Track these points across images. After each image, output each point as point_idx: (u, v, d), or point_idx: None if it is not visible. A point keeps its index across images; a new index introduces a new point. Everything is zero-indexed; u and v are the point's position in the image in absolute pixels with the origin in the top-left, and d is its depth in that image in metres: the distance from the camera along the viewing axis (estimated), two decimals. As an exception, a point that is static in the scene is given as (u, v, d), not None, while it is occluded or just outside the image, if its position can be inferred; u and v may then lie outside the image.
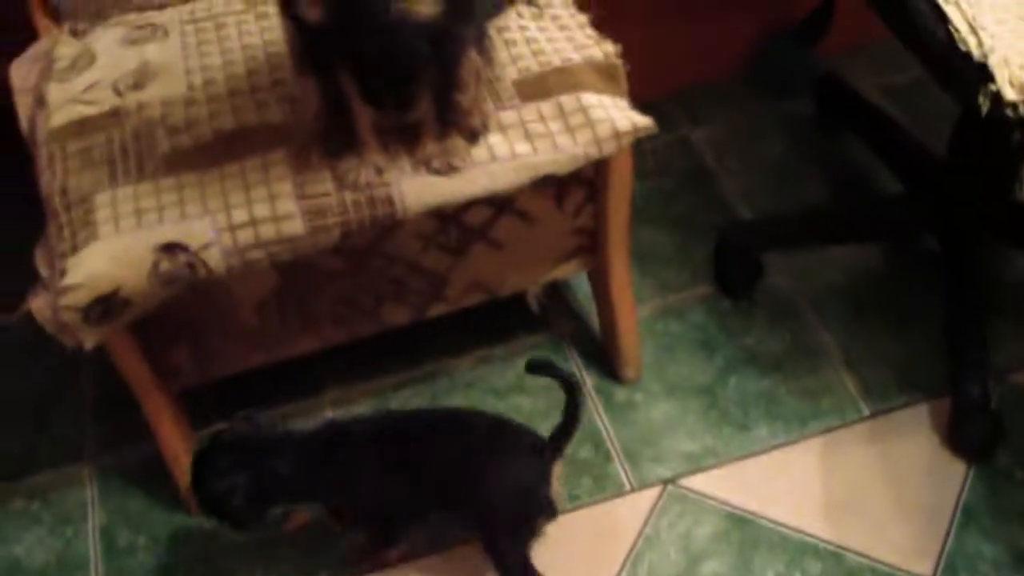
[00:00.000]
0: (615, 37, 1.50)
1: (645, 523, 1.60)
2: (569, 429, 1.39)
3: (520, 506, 1.42)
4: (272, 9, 1.56)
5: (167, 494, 1.70)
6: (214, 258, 1.32)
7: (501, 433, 1.44)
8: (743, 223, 1.94)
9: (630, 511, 1.62)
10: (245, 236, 1.32)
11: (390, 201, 1.35)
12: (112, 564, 1.65)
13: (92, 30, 1.58)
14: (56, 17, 1.62)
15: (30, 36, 1.61)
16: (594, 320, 1.82)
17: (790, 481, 1.62)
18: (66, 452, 1.79)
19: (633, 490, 1.64)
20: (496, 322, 1.84)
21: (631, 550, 1.57)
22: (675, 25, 2.05)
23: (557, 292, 1.88)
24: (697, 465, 1.65)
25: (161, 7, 1.61)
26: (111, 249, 1.31)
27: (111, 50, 1.54)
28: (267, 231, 1.32)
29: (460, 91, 1.34)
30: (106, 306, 1.31)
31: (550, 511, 1.43)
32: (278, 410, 1.77)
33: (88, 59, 1.53)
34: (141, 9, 1.60)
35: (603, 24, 1.53)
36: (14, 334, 1.94)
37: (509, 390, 1.76)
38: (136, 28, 1.57)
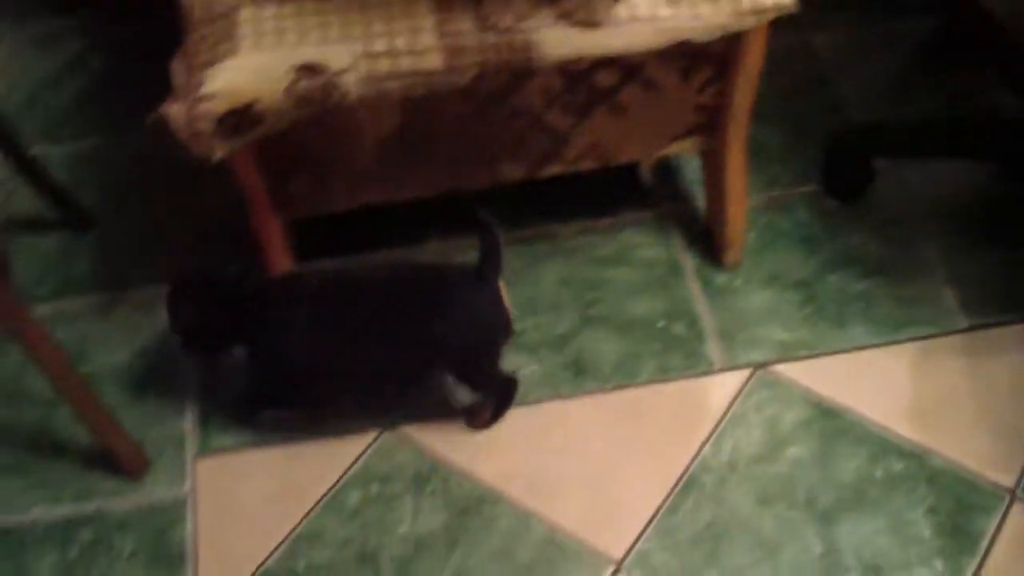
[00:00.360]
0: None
1: (732, 402, 1.62)
2: (489, 254, 1.45)
3: (486, 333, 1.48)
4: None
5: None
6: (350, 84, 1.34)
7: (441, 275, 1.50)
8: (856, 125, 1.93)
9: (719, 389, 1.64)
10: (383, 65, 1.34)
11: (528, 48, 1.36)
12: (209, 379, 1.68)
13: None
14: None
15: None
16: (699, 204, 1.83)
17: (879, 381, 1.63)
18: (170, 272, 1.82)
19: (723, 370, 1.66)
20: (603, 195, 1.86)
21: (716, 426, 1.59)
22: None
23: (666, 173, 1.89)
24: (789, 354, 1.67)
25: None
26: (251, 64, 1.34)
27: None
28: (405, 63, 1.34)
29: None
30: (239, 119, 1.35)
31: (508, 329, 1.50)
32: (380, 251, 1.79)
33: None
34: None
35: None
36: (132, 157, 1.99)
37: (609, 261, 1.78)
38: None
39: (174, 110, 1.35)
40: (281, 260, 1.63)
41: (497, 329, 1.50)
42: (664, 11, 1.38)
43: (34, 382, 1.68)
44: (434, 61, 1.35)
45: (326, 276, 1.55)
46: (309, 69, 1.33)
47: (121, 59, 2.18)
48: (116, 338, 1.75)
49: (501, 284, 1.47)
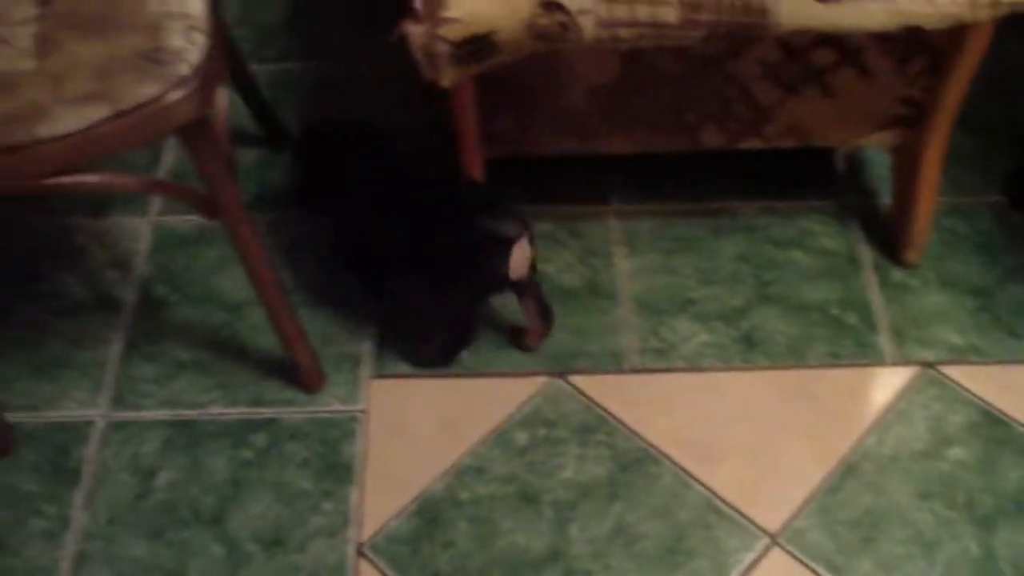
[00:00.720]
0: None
1: (899, 396, 1.62)
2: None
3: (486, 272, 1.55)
4: None
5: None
6: (587, 25, 1.38)
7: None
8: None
9: (886, 382, 1.64)
10: (620, 11, 1.38)
11: (764, 12, 1.39)
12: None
13: None
14: None
15: None
16: (883, 201, 1.84)
17: (1051, 397, 1.62)
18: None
19: (893, 364, 1.66)
20: (787, 178, 1.87)
21: (881, 417, 1.60)
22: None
23: (853, 165, 1.90)
24: (960, 357, 1.67)
25: None
26: (496, -6, 1.38)
27: None
28: (642, 11, 1.38)
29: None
30: (477, 46, 1.39)
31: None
32: (565, 208, 1.83)
33: None
34: None
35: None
36: (331, 78, 2.05)
37: (788, 243, 1.80)
38: None
39: (415, 30, 1.40)
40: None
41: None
42: (901, -7, 1.39)
43: (222, 285, 1.75)
44: (669, 14, 1.38)
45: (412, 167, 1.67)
46: (550, 5, 1.37)
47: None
48: (303, 253, 1.80)
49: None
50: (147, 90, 1.23)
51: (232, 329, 1.71)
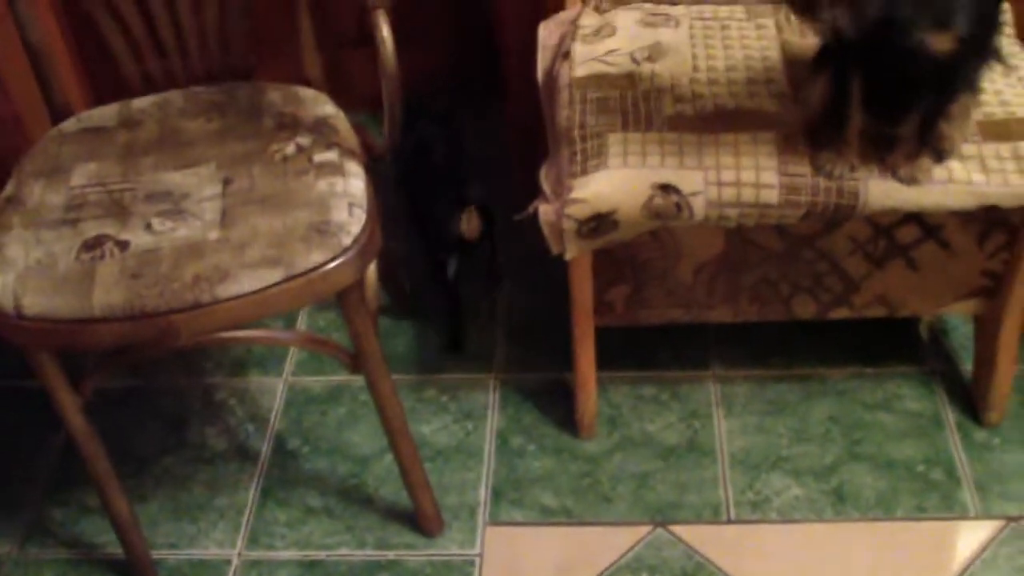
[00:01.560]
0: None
1: (984, 548, 1.73)
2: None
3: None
4: (768, 21, 1.80)
5: (558, 414, 1.96)
6: (698, 205, 1.56)
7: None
8: None
9: (971, 534, 1.75)
10: (728, 193, 1.56)
11: (855, 195, 1.56)
12: (502, 460, 1.89)
13: (613, 9, 1.87)
14: (581, -6, 1.92)
15: (553, 6, 1.91)
16: (965, 366, 1.97)
17: None
18: (476, 362, 2.06)
19: (977, 517, 1.77)
20: (875, 345, 2.01)
21: (966, 568, 1.70)
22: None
23: (935, 334, 2.04)
24: (1043, 513, 1.77)
25: (674, 3, 1.88)
26: (617, 178, 1.57)
27: (629, 27, 1.81)
28: (747, 193, 1.56)
29: (945, 120, 1.54)
30: (599, 223, 1.57)
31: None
32: (668, 374, 1.98)
33: (609, 30, 1.81)
34: (658, 1, 1.88)
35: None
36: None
37: (875, 406, 1.93)
38: (651, 15, 1.85)
39: (545, 209, 1.59)
40: (589, 363, 1.83)
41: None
42: (977, 176, 1.56)
43: (351, 439, 1.91)
44: (771, 196, 1.56)
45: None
46: (666, 188, 1.56)
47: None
48: (425, 413, 1.97)
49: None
50: (315, 257, 1.42)
51: (359, 479, 1.86)
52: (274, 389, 2.02)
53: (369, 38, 1.46)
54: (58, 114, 1.67)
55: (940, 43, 1.41)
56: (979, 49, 1.48)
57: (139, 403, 2.01)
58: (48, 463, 1.93)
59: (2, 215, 1.51)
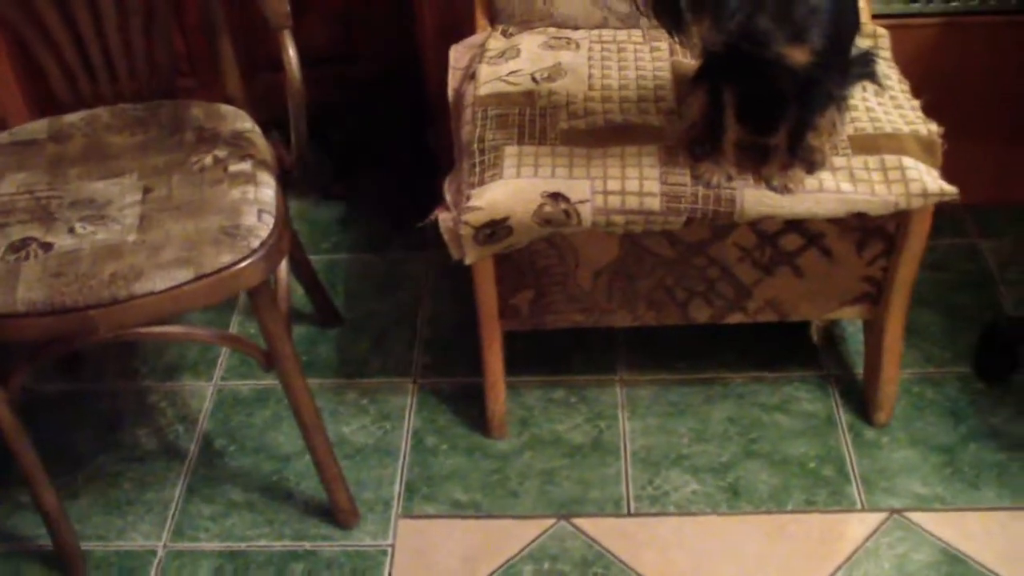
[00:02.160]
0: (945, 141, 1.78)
1: (867, 538, 1.84)
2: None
3: None
4: (663, 44, 1.94)
5: (472, 415, 2.07)
6: (586, 212, 1.68)
7: None
8: (1009, 318, 2.18)
9: (857, 526, 1.86)
10: (613, 201, 1.68)
11: (732, 202, 1.68)
12: (417, 458, 2.00)
13: (519, 34, 2.00)
14: (492, 20, 2.06)
15: (468, 31, 2.05)
16: (859, 368, 2.09)
17: (1008, 540, 1.83)
18: (396, 367, 2.17)
19: (863, 510, 1.89)
20: (775, 351, 2.13)
21: (850, 556, 1.82)
22: (988, 144, 2.32)
23: (832, 340, 2.16)
24: (925, 504, 1.89)
25: (575, 28, 2.01)
26: (510, 187, 1.69)
27: (533, 50, 1.95)
28: (631, 201, 1.68)
29: (814, 133, 1.67)
30: (494, 229, 1.70)
31: None
32: (577, 378, 2.11)
33: (514, 52, 1.94)
34: (560, 26, 2.01)
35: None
36: (377, 269, 2.37)
37: (773, 408, 2.05)
38: (554, 38, 1.98)
39: (444, 216, 1.71)
40: (497, 366, 1.95)
41: None
42: (846, 186, 1.69)
43: (275, 438, 2.02)
44: (654, 203, 1.68)
45: None
46: (555, 196, 1.68)
47: (376, 193, 2.60)
48: (345, 415, 2.08)
49: None
50: (224, 258, 1.53)
51: (280, 475, 1.97)
52: (204, 392, 2.13)
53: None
54: (-8, 129, 1.78)
55: (797, 56, 1.54)
56: (836, 64, 1.61)
57: (76, 406, 2.12)
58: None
59: (-65, 221, 1.61)
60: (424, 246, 2.21)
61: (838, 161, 1.72)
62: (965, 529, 1.84)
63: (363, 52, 2.52)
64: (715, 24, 1.48)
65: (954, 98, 2.17)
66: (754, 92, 1.64)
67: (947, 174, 1.73)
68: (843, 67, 1.66)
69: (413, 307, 2.29)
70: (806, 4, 1.51)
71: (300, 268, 2.09)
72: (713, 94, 1.67)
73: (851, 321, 2.15)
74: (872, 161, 1.71)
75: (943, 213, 2.10)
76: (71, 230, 1.58)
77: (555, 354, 2.12)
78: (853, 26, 1.65)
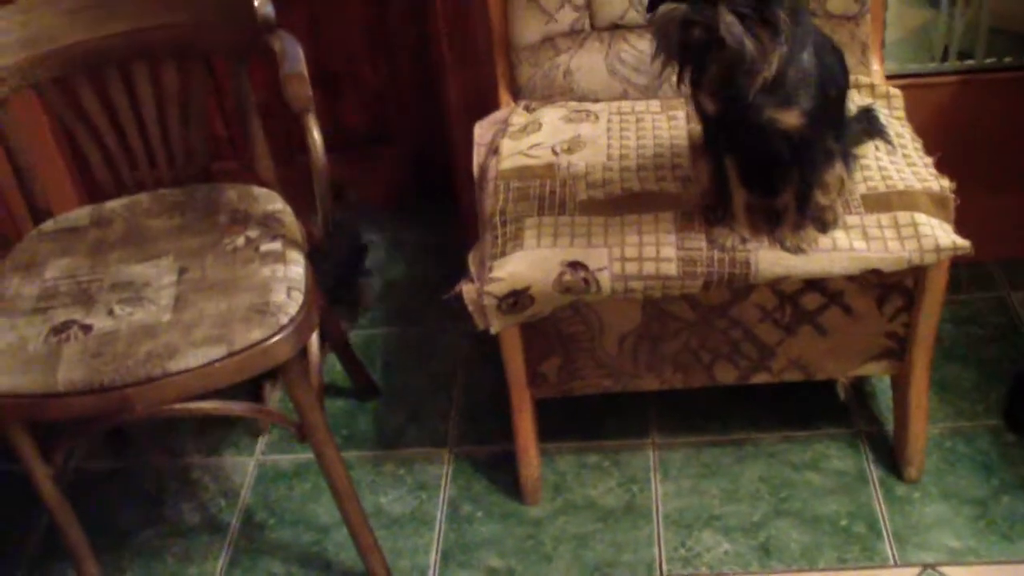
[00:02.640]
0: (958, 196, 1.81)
1: (902, 595, 1.85)
2: None
3: None
4: (680, 113, 1.99)
5: (507, 483, 2.11)
6: (605, 279, 1.73)
7: None
8: (1040, 372, 2.19)
9: (890, 582, 1.87)
10: (631, 268, 1.73)
11: (747, 264, 1.72)
12: (452, 526, 2.04)
13: (541, 108, 2.07)
14: (515, 96, 2.13)
15: (493, 106, 2.12)
16: (889, 424, 2.11)
17: (1043, 592, 1.83)
18: (432, 437, 2.22)
19: (896, 565, 1.89)
20: (806, 410, 2.16)
21: (884, 613, 1.82)
22: (1012, 198, 2.35)
23: (863, 396, 2.18)
24: (958, 559, 1.89)
25: (596, 100, 2.08)
26: (531, 257, 1.75)
27: (554, 123, 2.01)
28: (649, 267, 1.73)
29: (822, 191, 1.71)
30: (517, 299, 1.75)
31: None
32: (609, 442, 2.15)
33: (536, 127, 2.01)
34: (581, 99, 2.08)
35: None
36: (411, 341, 2.43)
37: (803, 466, 2.07)
38: (575, 111, 2.04)
39: (468, 288, 1.77)
40: (528, 432, 1.99)
41: None
42: (859, 244, 1.73)
43: (315, 510, 2.07)
44: (671, 268, 1.73)
45: None
46: (574, 265, 1.73)
47: (411, 267, 2.67)
48: (382, 485, 2.13)
49: None
50: (255, 334, 1.60)
51: (319, 547, 2.02)
52: (246, 467, 2.19)
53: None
54: (39, 216, 1.87)
55: (788, 120, 1.59)
56: (830, 121, 1.66)
57: (122, 483, 2.18)
58: (34, 540, 2.10)
59: (-18, 306, 1.70)
60: (459, 317, 2.26)
61: (851, 220, 1.75)
62: (1000, 582, 1.83)
63: (395, 134, 2.62)
64: (714, 95, 1.54)
65: (973, 154, 2.21)
66: (753, 157, 1.68)
67: (971, 229, 1.76)
68: (838, 123, 1.70)
69: (448, 377, 2.34)
70: (796, 70, 1.56)
71: (337, 343, 2.16)
72: (716, 160, 1.72)
73: (879, 377, 2.16)
74: (885, 218, 1.75)
75: (972, 268, 2.14)
76: (110, 312, 1.65)
77: (587, 419, 2.16)
78: (843, 82, 1.69)
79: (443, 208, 2.69)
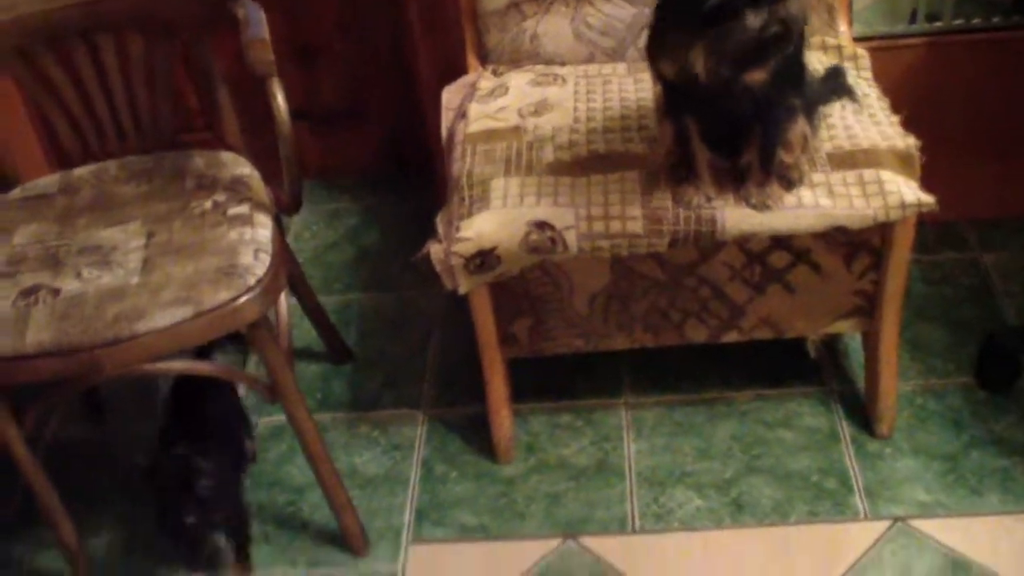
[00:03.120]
0: (928, 158, 1.82)
1: (872, 547, 1.87)
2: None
3: None
4: (646, 75, 2.00)
5: (480, 443, 2.12)
6: (571, 238, 1.74)
7: None
8: (1010, 328, 2.20)
9: (860, 535, 1.89)
10: (597, 227, 1.74)
11: (713, 222, 1.73)
12: (426, 486, 2.06)
13: (509, 72, 2.08)
14: (483, 61, 2.13)
15: (462, 73, 2.13)
16: (862, 383, 2.13)
17: (1012, 544, 1.84)
18: (406, 400, 2.24)
19: (867, 519, 1.91)
20: (776, 369, 2.17)
21: (854, 565, 1.84)
22: (984, 159, 2.36)
23: (836, 355, 2.20)
24: (928, 512, 1.91)
25: (563, 64, 2.08)
26: (497, 218, 1.76)
27: (521, 87, 2.02)
28: (615, 226, 1.74)
29: (786, 149, 1.72)
30: (484, 259, 1.76)
31: None
32: (583, 403, 2.17)
33: (503, 91, 2.01)
34: (548, 63, 2.09)
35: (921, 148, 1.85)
36: (386, 307, 2.45)
37: (776, 424, 2.09)
38: (542, 75, 2.05)
39: (435, 249, 1.78)
40: (500, 392, 2.00)
41: None
42: (825, 201, 1.74)
43: (289, 473, 2.09)
44: (637, 226, 1.74)
45: None
46: (541, 225, 1.74)
47: (386, 234, 2.67)
48: (357, 447, 2.15)
49: None
50: (222, 295, 1.61)
51: (295, 507, 2.04)
52: (221, 431, 2.19)
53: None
54: (7, 184, 1.88)
55: (756, 77, 1.60)
56: (790, 80, 1.66)
57: (97, 450, 2.19)
58: (13, 506, 2.12)
59: (-48, 273, 1.71)
60: (432, 283, 2.26)
61: (817, 178, 1.77)
62: (969, 535, 1.86)
63: (371, 106, 2.63)
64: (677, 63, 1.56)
65: (943, 115, 2.22)
66: (715, 117, 1.69)
67: (940, 190, 1.77)
68: (798, 79, 1.70)
69: (423, 341, 2.35)
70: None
71: (310, 308, 2.17)
72: (678, 122, 1.72)
73: (851, 336, 2.18)
74: (851, 176, 1.76)
75: (943, 229, 2.15)
76: (78, 275, 1.66)
77: (560, 380, 2.18)
78: (802, 37, 1.69)
79: (419, 180, 2.69)
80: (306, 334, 2.32)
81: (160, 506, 1.76)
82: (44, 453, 1.76)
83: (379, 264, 2.57)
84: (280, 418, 2.16)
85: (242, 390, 2.04)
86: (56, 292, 1.63)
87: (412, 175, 2.73)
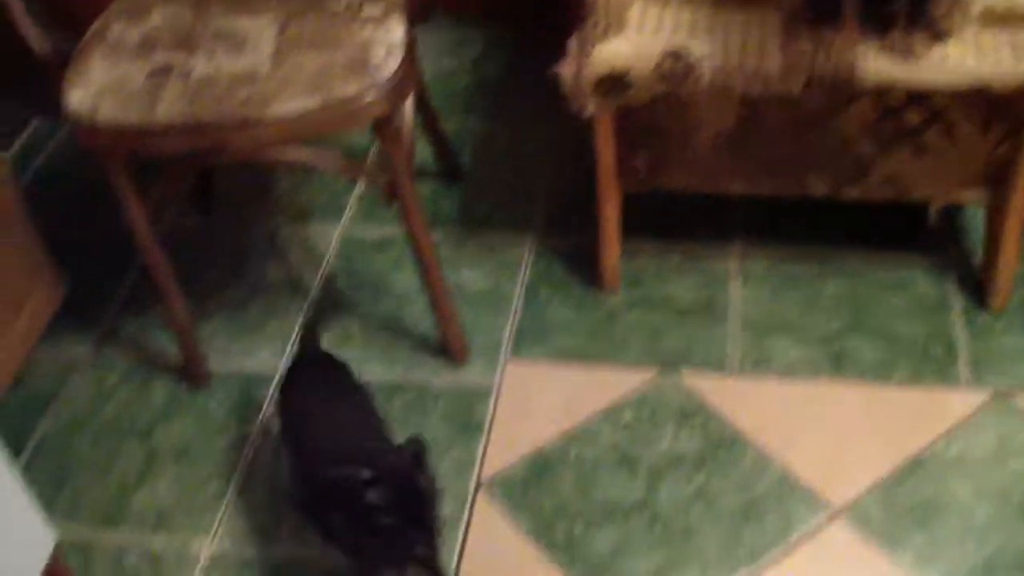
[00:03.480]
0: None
1: (971, 414, 1.84)
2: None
3: None
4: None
5: (585, 273, 2.13)
6: (704, 70, 1.70)
7: None
8: None
9: (961, 402, 1.87)
10: (733, 61, 1.70)
11: (852, 68, 1.68)
12: (529, 307, 2.08)
13: None
14: None
15: None
16: (978, 259, 2.07)
17: (1112, 429, 1.82)
18: (516, 223, 2.24)
19: (968, 387, 1.89)
20: (892, 235, 2.13)
21: (952, 428, 1.82)
22: None
23: (954, 231, 2.14)
24: (1033, 389, 1.88)
25: None
26: (632, 42, 1.73)
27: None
28: (750, 62, 1.69)
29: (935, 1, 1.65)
30: (614, 83, 1.73)
31: None
32: (693, 246, 2.16)
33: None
34: None
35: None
36: (503, 134, 2.44)
37: (887, 288, 2.06)
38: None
39: (566, 69, 1.75)
40: (613, 221, 2.00)
41: None
42: (972, 57, 1.67)
43: (396, 280, 2.12)
44: (773, 65, 1.69)
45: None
46: (675, 54, 1.70)
47: (508, 65, 2.65)
48: (464, 263, 2.16)
49: None
50: (351, 88, 1.61)
51: (398, 314, 2.07)
52: (330, 235, 2.24)
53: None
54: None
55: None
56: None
57: (208, 240, 2.25)
58: (127, 283, 2.18)
59: (88, 46, 1.73)
60: (551, 115, 2.24)
61: (966, 34, 1.70)
62: (1074, 416, 1.82)
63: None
64: None
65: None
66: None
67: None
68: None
69: (537, 171, 2.34)
70: None
71: (428, 125, 2.16)
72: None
73: (972, 213, 2.12)
74: (1003, 35, 1.69)
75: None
76: (211, 58, 1.67)
77: (673, 223, 2.16)
78: None
79: (545, 18, 2.63)
80: (419, 153, 2.32)
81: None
82: (160, 238, 1.80)
83: (499, 94, 2.55)
84: (389, 229, 2.18)
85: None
86: (188, 72, 1.65)
87: (540, 10, 2.67)
